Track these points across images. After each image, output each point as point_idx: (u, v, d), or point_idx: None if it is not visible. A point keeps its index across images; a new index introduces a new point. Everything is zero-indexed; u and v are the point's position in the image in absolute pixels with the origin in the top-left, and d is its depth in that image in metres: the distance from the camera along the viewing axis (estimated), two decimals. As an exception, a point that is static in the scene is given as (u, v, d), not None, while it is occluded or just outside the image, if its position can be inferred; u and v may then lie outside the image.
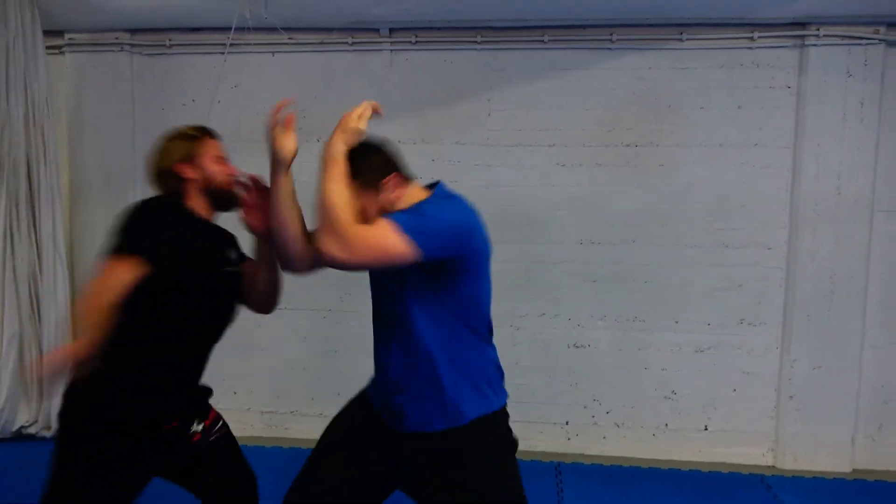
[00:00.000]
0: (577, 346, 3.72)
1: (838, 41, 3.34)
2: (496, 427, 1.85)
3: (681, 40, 3.47)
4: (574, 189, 3.63)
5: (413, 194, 1.84)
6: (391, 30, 3.62)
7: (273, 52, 3.74)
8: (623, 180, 3.60)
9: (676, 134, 3.55)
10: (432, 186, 1.92)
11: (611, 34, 3.49)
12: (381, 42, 3.65)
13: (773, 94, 3.46)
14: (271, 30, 3.56)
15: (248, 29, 3.49)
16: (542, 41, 3.53)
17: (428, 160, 3.69)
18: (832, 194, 3.42)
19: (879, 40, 3.31)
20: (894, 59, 3.37)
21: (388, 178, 1.79)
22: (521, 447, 1.93)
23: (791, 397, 3.55)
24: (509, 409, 1.92)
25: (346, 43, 3.66)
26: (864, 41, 3.32)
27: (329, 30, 3.63)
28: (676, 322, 3.65)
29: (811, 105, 3.40)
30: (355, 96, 3.77)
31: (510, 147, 3.63)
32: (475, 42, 3.59)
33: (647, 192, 3.59)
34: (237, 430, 2.16)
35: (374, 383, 1.95)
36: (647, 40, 3.49)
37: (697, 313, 3.62)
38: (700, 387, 3.66)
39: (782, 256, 3.54)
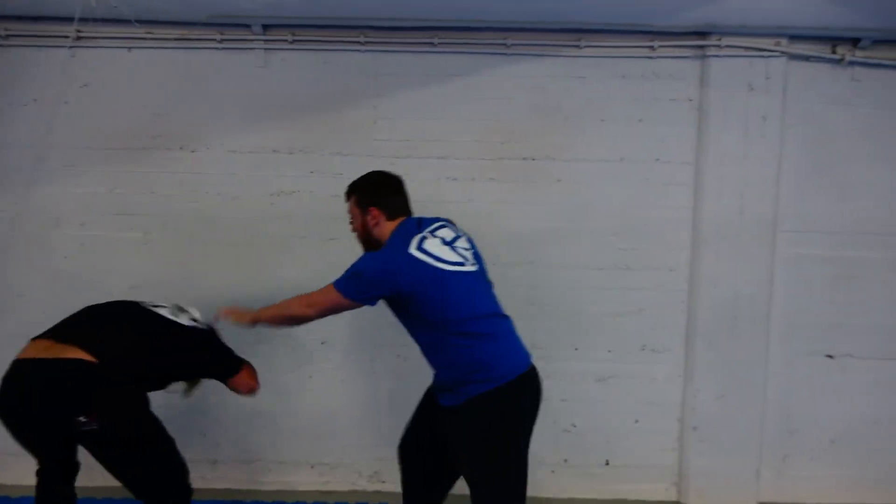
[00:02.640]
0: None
1: (740, 53, 3.17)
2: (491, 401, 2.32)
3: (578, 47, 3.23)
4: (467, 206, 3.33)
5: (387, 231, 2.46)
6: (265, 26, 3.24)
7: (129, 48, 3.29)
8: (519, 197, 3.33)
9: (575, 147, 3.31)
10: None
11: (505, 38, 3.22)
12: (253, 40, 3.27)
13: (675, 106, 3.27)
14: (126, 22, 3.13)
15: (97, 20, 3.05)
16: (432, 44, 3.23)
17: (306, 171, 3.34)
18: (734, 214, 3.24)
19: (781, 53, 3.17)
20: (796, 73, 3.23)
21: (369, 208, 2.47)
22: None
23: (694, 428, 3.35)
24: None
25: (215, 40, 3.25)
26: (765, 54, 3.17)
27: (192, 24, 3.22)
28: (576, 349, 3.40)
29: (713, 119, 3.22)
30: (224, 100, 3.49)
31: (397, 159, 3.29)
32: (359, 43, 3.25)
33: (543, 210, 3.33)
34: None
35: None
36: (544, 46, 3.24)
37: (598, 339, 3.39)
38: (601, 418, 3.42)
39: (684, 279, 3.35)
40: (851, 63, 3.22)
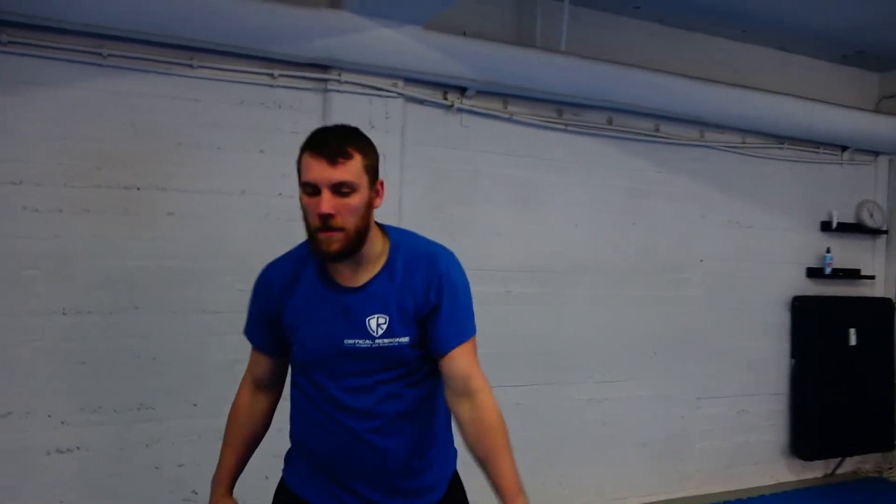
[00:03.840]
0: (62, 452, 2.79)
1: (360, 90, 3.18)
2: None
3: (191, 66, 2.91)
4: (52, 242, 2.74)
5: (376, 229, 1.71)
6: None
7: None
8: (120, 231, 2.84)
9: (190, 177, 2.96)
10: None
11: (100, 46, 2.76)
12: None
13: (298, 139, 3.00)
14: None
15: None
16: (0, 42, 2.62)
17: None
18: (360, 250, 3.20)
19: (398, 94, 3.25)
20: (414, 114, 3.35)
21: (381, 181, 1.69)
22: None
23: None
24: None
25: None
26: (383, 93, 3.22)
27: None
28: (195, 405, 2.99)
29: (336, 154, 3.15)
30: None
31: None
32: None
33: (152, 247, 2.90)
34: None
35: None
36: (150, 61, 2.85)
37: (219, 392, 3.02)
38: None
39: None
40: (460, 110, 3.45)
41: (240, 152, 3.03)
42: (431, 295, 1.64)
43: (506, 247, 3.63)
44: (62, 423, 2.79)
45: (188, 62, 2.91)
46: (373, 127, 3.20)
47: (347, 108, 3.16)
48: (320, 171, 1.53)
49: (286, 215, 3.09)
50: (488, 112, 3.52)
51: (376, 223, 1.68)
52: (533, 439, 3.63)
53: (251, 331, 1.81)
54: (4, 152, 2.67)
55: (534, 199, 3.69)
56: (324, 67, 3.12)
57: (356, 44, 3.06)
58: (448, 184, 3.48)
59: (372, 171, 1.61)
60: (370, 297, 1.64)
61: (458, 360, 1.64)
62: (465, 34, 3.35)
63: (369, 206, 1.60)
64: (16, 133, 2.68)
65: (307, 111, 3.14)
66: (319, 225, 1.54)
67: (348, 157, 1.54)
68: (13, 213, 2.70)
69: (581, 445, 3.86)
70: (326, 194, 1.52)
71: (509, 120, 3.59)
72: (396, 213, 3.28)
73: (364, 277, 1.65)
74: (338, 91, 3.13)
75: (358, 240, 1.58)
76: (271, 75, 3.04)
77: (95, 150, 2.81)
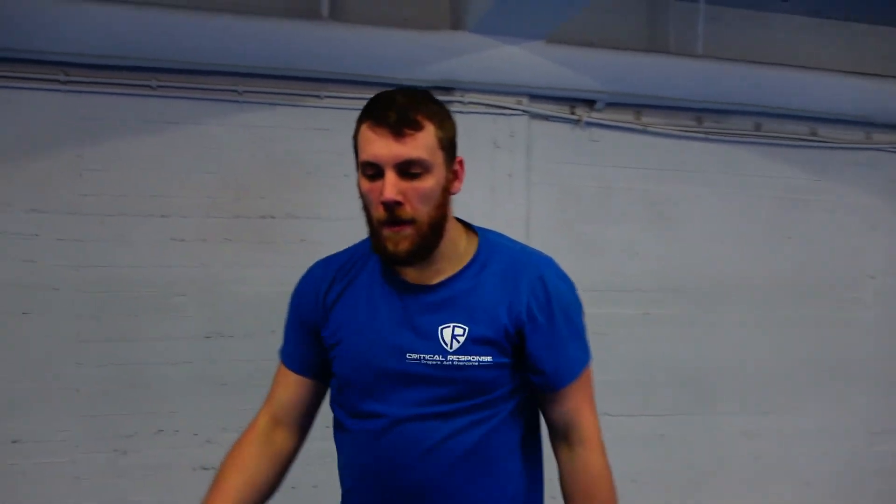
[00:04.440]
0: (206, 469, 2.93)
1: (483, 110, 3.13)
2: None
3: (319, 97, 3.00)
4: (198, 270, 2.92)
5: (454, 222, 1.38)
6: (-66, 56, 2.66)
7: None
8: (258, 258, 2.97)
9: (320, 205, 3.04)
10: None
11: (236, 84, 2.91)
12: (-82, 72, 2.67)
13: None
14: None
15: None
16: (150, 86, 2.83)
17: (-12, 232, 2.74)
18: (487, 273, 3.13)
19: (523, 111, 3.17)
20: (540, 131, 3.25)
21: (459, 160, 1.37)
22: None
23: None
24: None
25: None
26: (507, 112, 3.15)
27: None
28: (328, 427, 3.04)
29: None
30: None
31: (108, 217, 2.82)
32: (59, 81, 2.76)
33: (287, 272, 2.96)
34: None
35: None
36: (281, 95, 2.97)
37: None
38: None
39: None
40: (588, 124, 3.31)
41: (366, 178, 3.08)
42: (535, 310, 1.29)
43: (642, 266, 3.42)
44: (207, 441, 2.94)
45: (316, 93, 3.00)
46: (498, 146, 3.15)
47: (471, 129, 3.10)
48: (383, 146, 1.21)
49: (412, 239, 3.10)
50: (620, 124, 3.34)
51: (456, 218, 1.34)
52: (676, 473, 3.37)
53: (283, 344, 1.48)
54: (154, 188, 2.88)
55: (672, 214, 3.45)
56: (446, 89, 3.10)
57: (478, 63, 3.02)
58: (578, 201, 3.34)
59: (449, 146, 1.28)
60: (448, 301, 1.28)
61: (567, 402, 1.32)
62: (591, 45, 3.22)
63: (446, 192, 1.27)
64: (163, 169, 2.88)
65: (431, 134, 3.13)
66: (384, 217, 1.22)
67: (418, 127, 1.21)
68: (163, 244, 2.90)
69: (732, 482, 3.53)
70: (391, 176, 1.20)
71: (643, 131, 3.39)
72: (524, 233, 3.19)
73: (441, 275, 1.29)
74: (461, 112, 3.10)
75: (433, 235, 1.25)
76: (395, 101, 3.07)
77: (234, 182, 2.96)
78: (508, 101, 3.15)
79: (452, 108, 3.10)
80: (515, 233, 3.10)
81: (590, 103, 3.30)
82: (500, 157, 3.15)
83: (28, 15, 2.59)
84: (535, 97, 3.20)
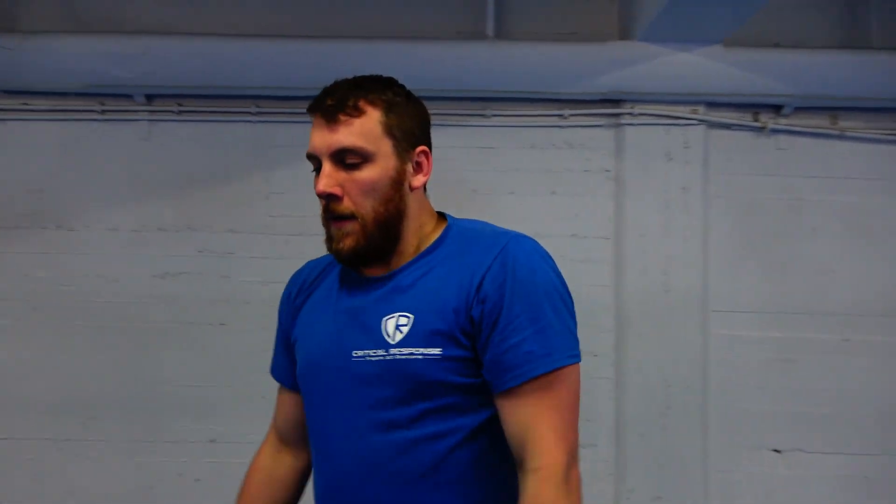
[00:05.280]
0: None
1: (655, 121, 2.98)
2: None
3: (484, 115, 3.03)
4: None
5: (429, 215, 1.31)
6: (148, 96, 3.02)
7: (2, 120, 3.05)
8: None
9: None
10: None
11: (406, 107, 3.02)
12: (137, 111, 3.04)
13: (590, 178, 3.04)
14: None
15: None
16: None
17: (193, 250, 3.05)
18: (659, 292, 2.97)
19: (699, 121, 2.98)
20: (717, 142, 3.03)
21: (421, 149, 1.24)
22: None
23: (628, 536, 2.96)
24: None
25: (95, 111, 3.02)
26: (682, 122, 2.98)
27: (70, 94, 3.00)
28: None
29: (631, 190, 2.99)
30: (104, 174, 3.22)
31: (293, 237, 3.02)
32: (250, 113, 3.04)
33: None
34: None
35: None
36: (447, 115, 3.03)
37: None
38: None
39: (611, 365, 3.03)
40: (774, 131, 3.04)
41: (532, 195, 3.05)
42: (489, 288, 1.07)
43: (841, 286, 3.06)
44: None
45: (482, 112, 3.03)
46: (670, 159, 2.98)
47: (642, 141, 2.99)
48: (317, 135, 1.10)
49: (581, 255, 3.02)
50: (811, 130, 3.03)
51: (442, 214, 1.23)
52: (886, 522, 2.96)
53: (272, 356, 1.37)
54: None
55: (875, 228, 3.06)
56: (615, 102, 2.99)
57: (649, 73, 2.89)
58: (763, 216, 3.06)
59: (403, 135, 1.14)
60: (395, 290, 1.13)
61: (517, 411, 1.04)
62: (776, 45, 2.96)
63: (398, 184, 1.13)
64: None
65: (599, 148, 3.04)
66: (323, 212, 1.12)
67: (356, 112, 1.09)
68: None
69: (959, 538, 3.04)
70: (327, 166, 1.09)
71: (840, 137, 3.05)
72: (701, 251, 2.99)
73: (396, 264, 1.16)
74: (631, 124, 2.98)
75: (381, 234, 1.11)
76: (561, 115, 3.02)
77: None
78: (682, 110, 2.97)
79: (622, 120, 3.00)
80: (691, 250, 2.96)
81: (776, 109, 3.03)
82: (674, 169, 2.98)
83: (222, 54, 2.88)
84: (711, 105, 3.00)
